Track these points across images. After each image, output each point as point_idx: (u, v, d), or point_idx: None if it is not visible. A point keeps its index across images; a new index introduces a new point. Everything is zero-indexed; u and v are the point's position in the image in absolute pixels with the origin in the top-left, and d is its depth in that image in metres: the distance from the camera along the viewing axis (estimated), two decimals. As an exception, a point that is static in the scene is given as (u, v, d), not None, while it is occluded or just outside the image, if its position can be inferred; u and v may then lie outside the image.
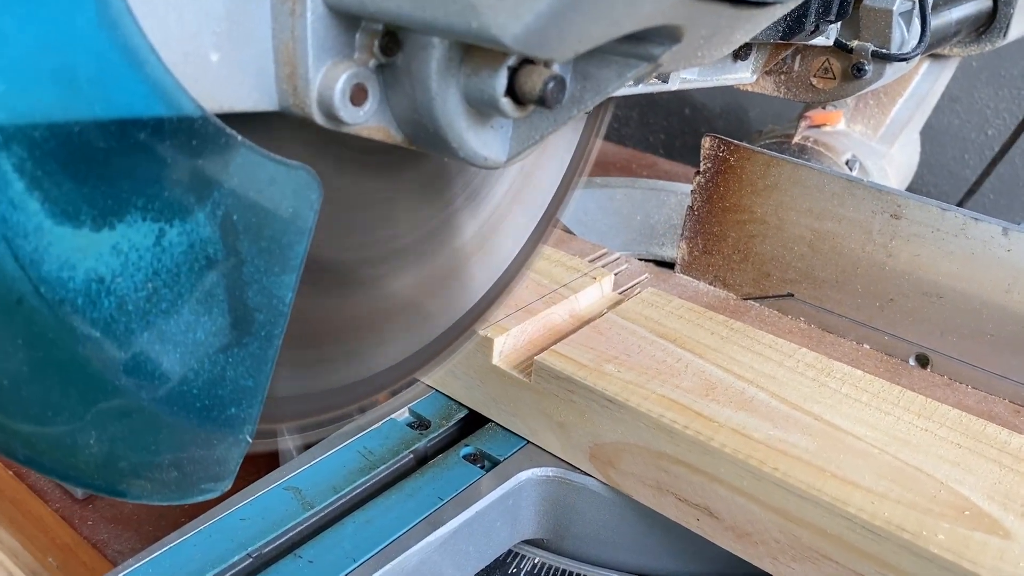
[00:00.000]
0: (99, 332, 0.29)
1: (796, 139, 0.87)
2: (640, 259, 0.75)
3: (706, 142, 0.66)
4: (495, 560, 0.55)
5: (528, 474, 0.54)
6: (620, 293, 0.65)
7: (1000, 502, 0.45)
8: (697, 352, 0.55)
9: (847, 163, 0.86)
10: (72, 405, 0.30)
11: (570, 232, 0.77)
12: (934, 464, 0.47)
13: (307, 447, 0.64)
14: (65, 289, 0.28)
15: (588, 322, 0.58)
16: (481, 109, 0.35)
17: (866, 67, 0.66)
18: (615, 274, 0.69)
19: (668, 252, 0.81)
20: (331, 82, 0.32)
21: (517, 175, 0.52)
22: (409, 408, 0.58)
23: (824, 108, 0.90)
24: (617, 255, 0.73)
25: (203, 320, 0.32)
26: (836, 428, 0.49)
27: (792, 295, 0.65)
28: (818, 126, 0.89)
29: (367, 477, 0.52)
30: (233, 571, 0.46)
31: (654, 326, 0.58)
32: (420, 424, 0.57)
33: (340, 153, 0.39)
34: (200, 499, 0.37)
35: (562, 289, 0.61)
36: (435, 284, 0.49)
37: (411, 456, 0.55)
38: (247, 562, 0.47)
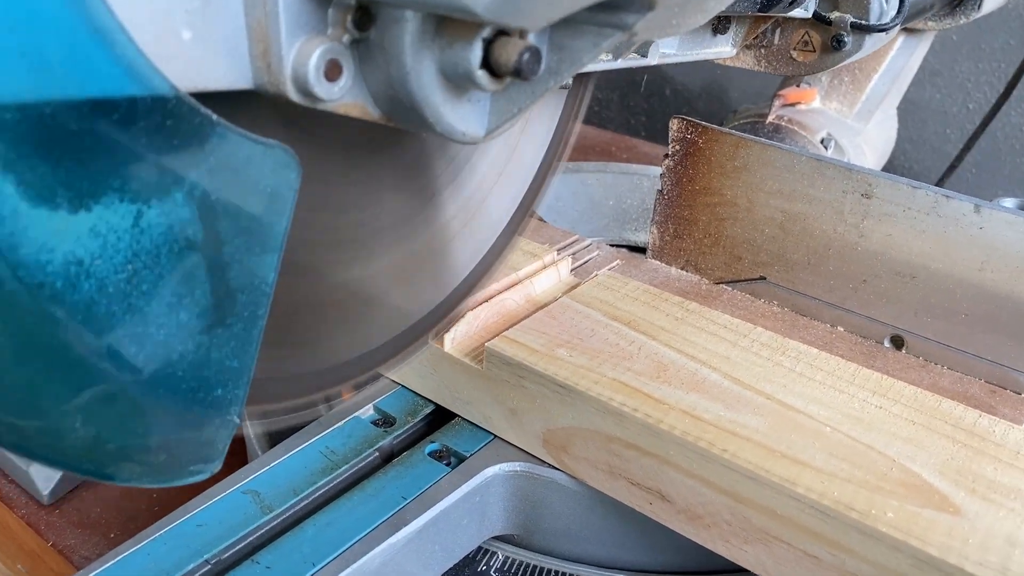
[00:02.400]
0: (80, 316, 0.29)
1: (770, 118, 0.86)
2: (612, 245, 0.73)
3: (674, 124, 0.64)
4: (464, 558, 0.54)
5: (495, 469, 0.52)
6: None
7: (952, 478, 0.44)
8: (651, 334, 0.54)
9: (822, 141, 0.84)
10: (56, 390, 0.30)
11: (541, 220, 0.75)
12: (886, 441, 0.47)
13: (272, 443, 0.62)
14: (44, 273, 0.28)
15: (543, 307, 0.57)
16: (457, 82, 0.35)
17: (845, 39, 0.66)
18: (585, 261, 0.68)
19: (641, 237, 0.79)
20: (305, 58, 0.32)
21: (500, 152, 0.51)
22: (374, 405, 0.57)
23: (798, 86, 0.89)
24: (588, 242, 0.71)
25: (185, 301, 0.32)
26: (788, 407, 0.49)
27: (764, 278, 0.64)
28: (792, 104, 0.88)
29: (329, 478, 0.51)
30: (190, 579, 0.45)
31: (608, 309, 0.57)
32: (385, 421, 0.56)
33: (319, 132, 0.39)
34: (190, 481, 0.37)
35: (519, 275, 0.60)
36: (416, 266, 0.49)
37: (376, 454, 0.54)
38: (204, 569, 0.45)
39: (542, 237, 0.70)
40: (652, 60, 0.54)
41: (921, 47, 0.92)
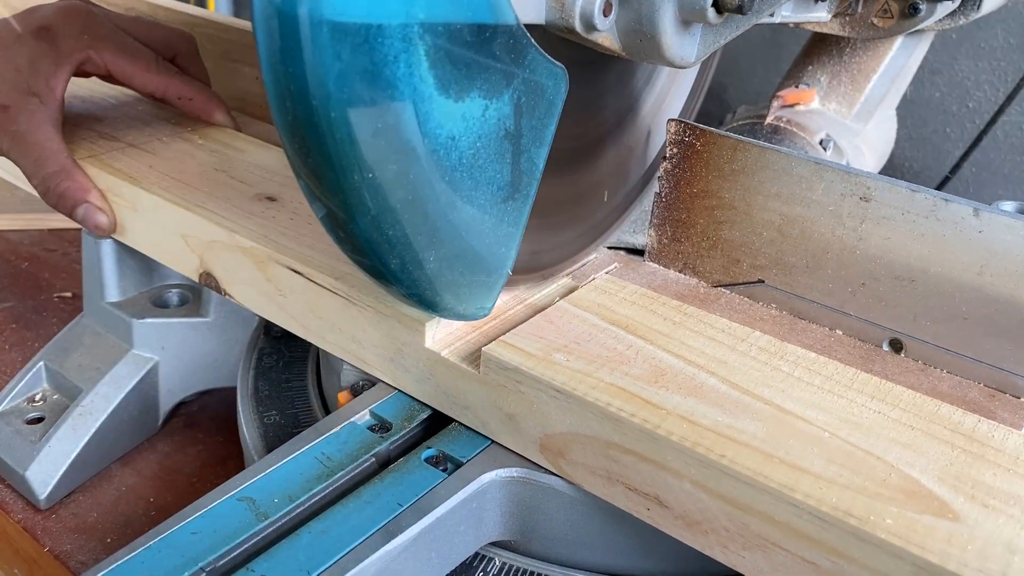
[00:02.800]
0: (446, 177, 0.41)
1: (769, 120, 0.86)
2: (610, 248, 0.73)
3: (671, 126, 0.64)
4: (461, 564, 0.53)
5: (492, 475, 0.52)
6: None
7: (951, 484, 0.44)
8: (649, 339, 0.54)
9: (821, 143, 0.84)
10: (424, 229, 0.42)
11: (538, 222, 0.75)
12: (885, 447, 0.46)
13: (268, 449, 0.62)
14: (435, 142, 0.39)
15: (541, 311, 0.57)
16: (688, 18, 0.47)
17: (920, 5, 0.74)
18: (583, 264, 0.67)
19: (640, 240, 0.79)
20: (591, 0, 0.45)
21: (664, 84, 0.68)
22: (370, 410, 0.57)
23: (797, 87, 0.88)
24: (586, 244, 0.71)
25: (498, 176, 0.44)
26: (786, 412, 0.48)
27: (762, 281, 0.63)
28: (791, 105, 0.87)
29: (325, 484, 0.51)
30: (184, 587, 0.45)
31: (606, 313, 0.57)
32: (381, 427, 0.56)
33: (563, 61, 0.48)
34: (476, 318, 0.52)
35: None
36: (630, 151, 0.67)
37: (372, 460, 0.54)
38: (199, 577, 0.45)
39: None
40: (776, 19, 0.64)
41: (920, 48, 0.92)
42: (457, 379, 0.54)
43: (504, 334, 0.54)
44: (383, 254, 0.42)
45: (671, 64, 0.49)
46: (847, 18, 0.79)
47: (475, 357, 0.53)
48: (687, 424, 0.46)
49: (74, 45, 0.71)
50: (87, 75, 0.75)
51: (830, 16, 0.75)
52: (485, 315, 0.52)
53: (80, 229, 0.75)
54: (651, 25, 0.46)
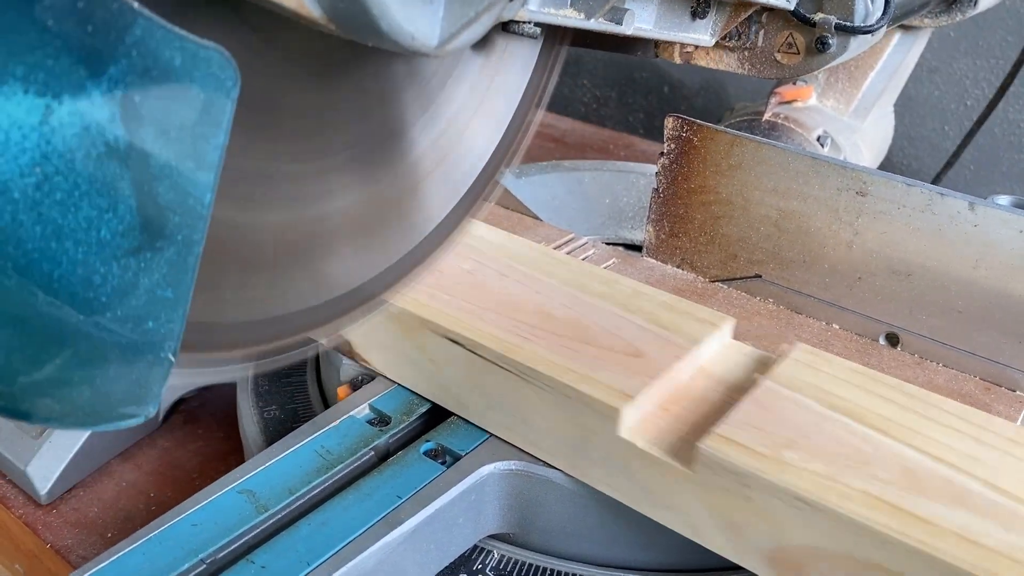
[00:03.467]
0: None
1: (767, 116, 0.86)
2: (608, 243, 0.73)
3: (669, 122, 0.64)
4: (460, 556, 0.54)
5: (490, 468, 0.52)
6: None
7: None
8: (882, 428, 0.46)
9: (818, 139, 0.84)
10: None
11: (537, 218, 0.75)
12: None
13: (268, 442, 0.62)
14: None
15: (734, 387, 0.50)
16: None
17: (830, 41, 0.64)
18: (582, 259, 0.68)
19: (637, 235, 0.79)
20: None
21: (470, 93, 0.49)
22: (369, 404, 0.57)
23: (795, 83, 0.89)
24: (584, 240, 0.71)
25: (107, 217, 0.28)
26: None
27: (760, 276, 0.64)
28: (789, 102, 0.88)
29: (324, 477, 0.51)
30: (185, 578, 0.45)
31: (822, 395, 0.48)
32: (380, 420, 0.56)
33: (275, 51, 0.36)
34: (122, 425, 0.33)
35: (671, 335, 0.52)
36: (379, 209, 0.46)
37: (372, 453, 0.54)
38: (200, 568, 0.45)
39: (539, 236, 0.70)
40: (627, 30, 0.52)
41: (917, 44, 0.92)
42: (661, 475, 0.46)
43: (706, 420, 0.47)
44: None
45: (401, 43, 0.33)
46: (745, 53, 0.69)
47: (680, 449, 0.46)
48: (967, 544, 0.39)
49: None
50: None
51: (714, 39, 0.64)
52: (146, 416, 0.34)
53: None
54: None
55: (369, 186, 0.44)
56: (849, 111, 0.89)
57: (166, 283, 0.31)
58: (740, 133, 0.62)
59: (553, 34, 0.53)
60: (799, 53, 0.67)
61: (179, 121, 0.29)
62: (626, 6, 0.50)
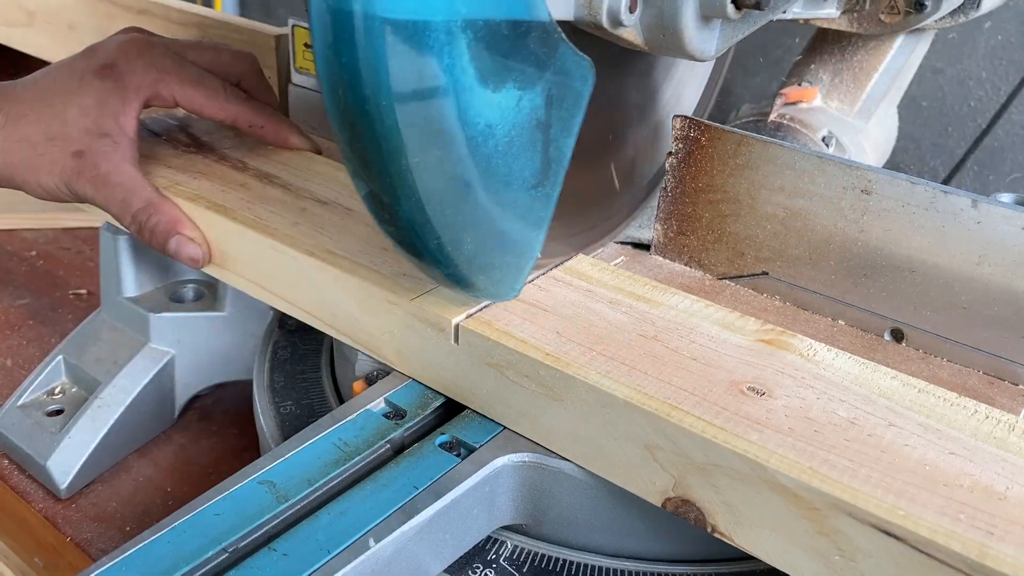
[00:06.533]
0: (483, 163, 0.43)
1: (772, 117, 0.87)
2: (617, 242, 0.74)
3: (676, 122, 0.65)
4: (474, 547, 0.55)
5: (504, 460, 0.53)
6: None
7: None
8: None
9: (823, 140, 0.85)
10: (461, 212, 0.45)
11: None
12: None
13: (284, 436, 0.64)
14: (474, 129, 0.42)
15: None
16: (709, 13, 0.51)
17: (926, 2, 0.76)
18: (592, 257, 0.69)
19: (646, 234, 0.80)
20: None
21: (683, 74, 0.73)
22: (385, 399, 0.58)
23: (800, 85, 0.90)
24: (593, 239, 0.72)
25: (531, 163, 0.46)
26: None
27: (766, 273, 0.65)
28: (794, 103, 0.89)
29: (342, 468, 0.52)
30: (208, 566, 0.46)
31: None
32: (396, 414, 0.57)
33: (597, 49, 0.50)
34: (508, 298, 0.55)
35: None
36: (648, 140, 0.72)
37: (388, 446, 0.55)
38: (222, 557, 0.47)
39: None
40: (788, 16, 0.66)
41: (920, 47, 0.93)
42: None
43: None
44: (424, 234, 0.45)
45: (692, 57, 0.53)
46: (855, 14, 0.81)
47: None
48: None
49: (140, 80, 0.69)
50: (154, 106, 0.73)
51: (839, 12, 0.78)
52: (515, 296, 0.54)
53: (95, 227, 0.76)
54: (673, 21, 0.50)
55: (641, 131, 0.71)
56: (853, 112, 0.90)
57: (543, 207, 0.50)
58: (747, 133, 0.63)
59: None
60: (899, 13, 0.80)
61: (567, 103, 0.46)
62: None
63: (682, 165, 0.66)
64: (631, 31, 0.51)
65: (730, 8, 0.50)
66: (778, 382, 0.50)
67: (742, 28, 0.54)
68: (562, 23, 0.45)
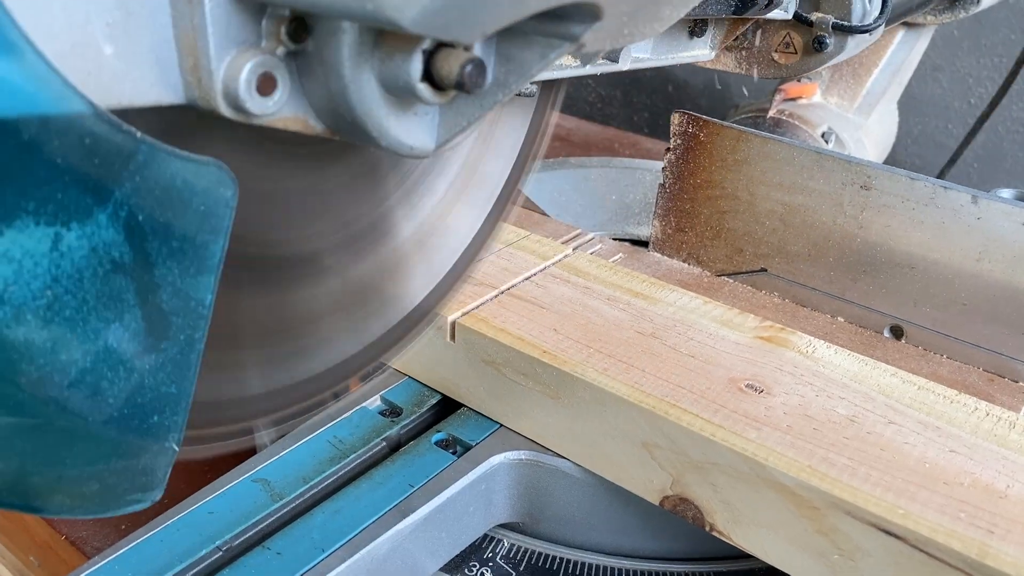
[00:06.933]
0: (6, 342, 0.28)
1: (771, 112, 0.87)
2: (615, 239, 0.74)
3: (675, 118, 0.65)
4: (470, 545, 0.54)
5: (500, 458, 0.53)
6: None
7: None
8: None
9: (823, 135, 0.85)
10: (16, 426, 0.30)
11: (544, 214, 0.76)
12: None
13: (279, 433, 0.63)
14: None
15: None
16: (400, 95, 0.34)
17: (827, 40, 0.65)
18: (590, 254, 0.69)
19: (644, 231, 0.80)
20: (236, 72, 0.30)
21: (460, 168, 0.49)
22: (381, 396, 0.58)
23: (799, 80, 0.89)
24: (591, 235, 0.72)
25: (114, 327, 0.31)
26: None
27: (765, 270, 0.65)
28: (794, 99, 0.88)
29: (337, 467, 0.52)
30: (202, 565, 0.46)
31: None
32: (392, 411, 0.57)
33: (266, 147, 0.38)
34: (128, 511, 0.36)
35: None
36: (366, 288, 0.47)
37: (383, 444, 0.55)
38: (216, 555, 0.46)
39: (546, 231, 0.71)
40: (624, 66, 0.53)
41: (921, 42, 0.93)
42: None
43: None
44: None
45: (400, 153, 0.36)
46: (743, 53, 0.70)
47: None
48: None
49: None
50: None
51: (714, 52, 0.64)
52: (153, 502, 0.36)
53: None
54: (347, 105, 0.33)
55: (353, 267, 0.45)
56: (853, 108, 0.90)
57: (170, 380, 0.33)
58: (746, 128, 0.62)
59: (549, 85, 0.52)
60: (796, 53, 0.67)
61: (181, 232, 0.31)
62: None
63: (680, 161, 0.66)
64: (295, 119, 0.34)
65: (423, 90, 0.32)
66: (777, 379, 0.49)
67: (471, 111, 0.36)
68: (176, 108, 0.31)
